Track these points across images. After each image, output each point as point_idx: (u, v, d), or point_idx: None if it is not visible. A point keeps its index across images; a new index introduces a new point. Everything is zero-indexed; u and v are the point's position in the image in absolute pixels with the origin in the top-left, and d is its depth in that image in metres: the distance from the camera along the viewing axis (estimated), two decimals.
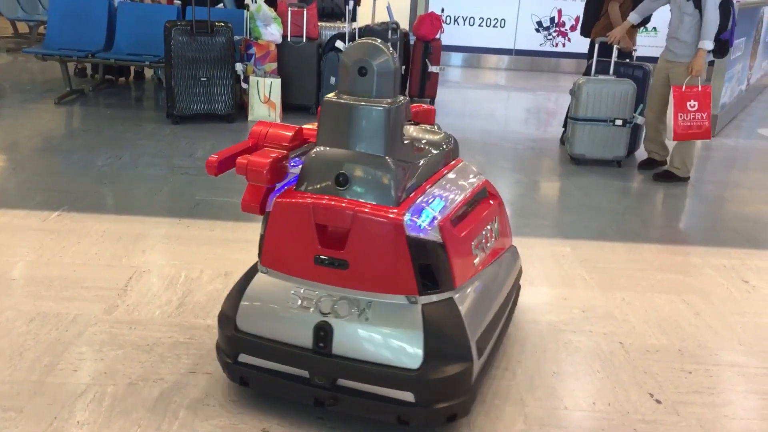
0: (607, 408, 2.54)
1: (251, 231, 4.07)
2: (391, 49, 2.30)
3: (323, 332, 2.25)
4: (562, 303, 3.34)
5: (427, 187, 2.41)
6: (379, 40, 2.33)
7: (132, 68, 8.41)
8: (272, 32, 6.76)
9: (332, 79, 6.99)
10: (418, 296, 2.22)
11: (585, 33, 6.74)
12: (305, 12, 7.00)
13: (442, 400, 2.20)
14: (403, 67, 7.83)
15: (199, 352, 2.72)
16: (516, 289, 3.02)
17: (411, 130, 2.70)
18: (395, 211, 2.20)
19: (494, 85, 10.42)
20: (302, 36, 7.04)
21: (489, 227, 2.65)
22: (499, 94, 9.18)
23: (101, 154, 5.41)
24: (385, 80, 2.27)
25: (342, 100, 2.28)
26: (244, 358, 2.36)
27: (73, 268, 3.40)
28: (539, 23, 11.72)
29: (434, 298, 2.25)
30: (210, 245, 3.78)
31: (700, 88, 5.35)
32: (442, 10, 10.67)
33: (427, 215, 2.24)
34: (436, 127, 2.84)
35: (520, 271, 3.10)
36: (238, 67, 6.67)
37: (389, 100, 2.27)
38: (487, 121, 7.84)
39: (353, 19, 7.11)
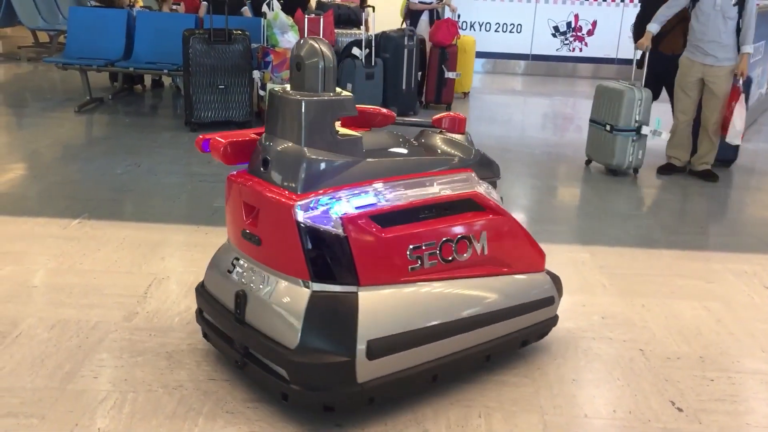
0: (628, 416, 2.52)
1: None
2: (326, 48, 2.38)
3: (239, 300, 2.44)
4: (582, 310, 3.32)
5: (364, 184, 2.37)
6: (320, 38, 2.45)
7: (149, 76, 8.49)
8: (289, 39, 6.79)
9: (348, 86, 7.01)
10: (311, 282, 2.29)
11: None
12: (322, 19, 7.04)
13: (315, 386, 2.28)
14: (419, 73, 7.84)
15: (218, 359, 2.73)
16: (524, 318, 2.74)
17: (428, 137, 2.74)
18: (293, 197, 2.28)
19: (511, 91, 10.39)
20: None
21: (460, 240, 2.51)
22: (516, 100, 9.15)
23: (120, 162, 5.46)
24: (314, 75, 2.35)
25: (274, 91, 2.44)
26: (205, 314, 2.67)
27: (93, 275, 3.43)
28: (556, 28, 11.69)
29: (331, 288, 2.29)
30: None
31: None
32: (459, 16, 10.66)
33: (333, 207, 2.28)
34: (465, 136, 2.80)
35: (546, 303, 2.83)
36: (256, 74, 6.71)
37: (314, 94, 2.35)
38: (504, 127, 7.82)
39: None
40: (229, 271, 2.55)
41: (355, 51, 7.03)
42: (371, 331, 2.29)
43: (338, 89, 2.43)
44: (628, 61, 11.44)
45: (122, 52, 7.39)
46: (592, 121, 5.89)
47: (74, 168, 5.39)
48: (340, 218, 2.27)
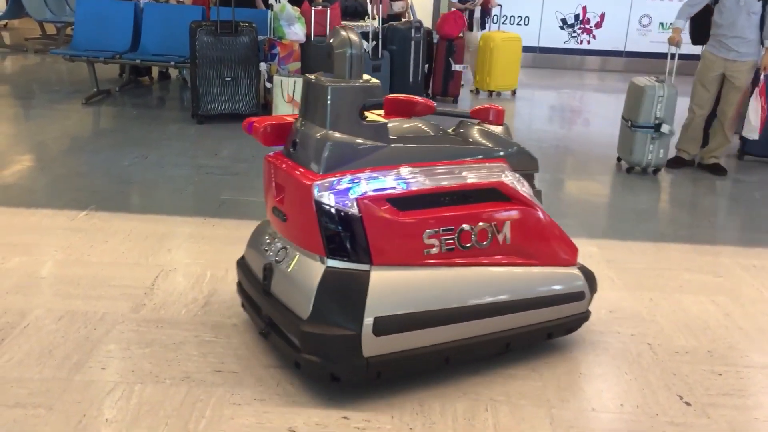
0: (636, 410, 2.51)
1: None
2: (355, 36, 2.48)
3: (267, 272, 2.61)
4: (592, 303, 3.30)
5: (385, 168, 2.45)
6: (352, 28, 2.56)
7: (157, 69, 8.49)
8: (296, 32, 6.78)
9: None
10: (326, 258, 2.41)
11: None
12: (329, 11, 7.01)
13: (322, 355, 2.39)
14: (426, 65, 7.82)
15: (225, 351, 2.73)
16: (549, 310, 2.76)
17: (465, 127, 2.80)
18: (314, 177, 2.39)
19: (518, 83, 10.34)
20: (326, 35, 7.05)
21: (480, 228, 2.55)
22: (523, 92, 9.11)
23: (127, 154, 5.46)
24: (342, 62, 2.45)
25: (308, 77, 2.55)
26: (241, 284, 2.87)
27: (100, 266, 3.44)
28: (563, 20, 11.65)
29: (345, 265, 2.40)
30: (235, 245, 3.77)
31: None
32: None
33: (353, 189, 2.38)
34: (504, 128, 2.82)
35: (574, 298, 2.82)
36: (262, 66, 6.70)
37: (341, 80, 2.45)
38: (512, 120, 7.79)
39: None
40: (262, 246, 2.73)
41: (362, 43, 7.00)
42: (379, 308, 2.38)
43: (366, 76, 2.51)
44: (636, 54, 11.43)
45: (129, 44, 7.39)
46: (622, 117, 5.77)
47: (81, 160, 5.40)
48: (356, 199, 2.37)
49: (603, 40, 11.57)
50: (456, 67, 8.02)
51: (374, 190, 2.40)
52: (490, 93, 8.71)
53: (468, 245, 2.54)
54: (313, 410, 2.40)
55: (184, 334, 2.85)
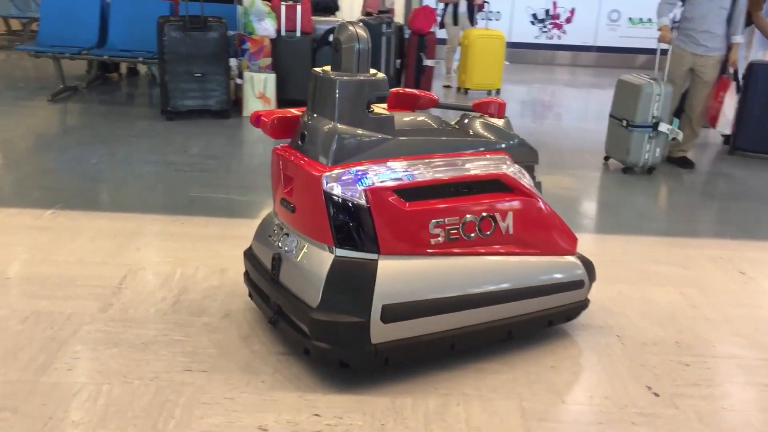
0: (605, 401, 2.53)
1: (246, 227, 4.03)
2: (362, 31, 2.52)
3: (275, 262, 2.66)
4: None
5: (392, 160, 2.52)
6: (358, 23, 2.57)
7: (125, 64, 8.37)
8: (266, 27, 6.73)
9: None
10: (335, 247, 2.46)
11: None
12: (299, 6, 6.98)
13: (331, 342, 2.45)
14: (398, 61, 7.81)
15: (194, 350, 2.70)
16: (550, 298, 2.83)
17: (468, 120, 2.85)
18: (323, 169, 2.45)
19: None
20: (296, 30, 7.02)
21: (483, 218, 2.62)
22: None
23: (95, 152, 5.38)
24: (350, 57, 2.50)
25: (315, 71, 2.60)
26: (249, 274, 2.92)
27: (67, 266, 3.38)
28: (534, 15, 11.71)
29: (353, 254, 2.46)
30: (205, 242, 3.77)
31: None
32: (437, 4, 10.64)
33: (361, 180, 2.43)
34: (505, 121, 2.90)
35: (574, 286, 2.89)
36: (233, 62, 6.65)
37: (349, 74, 2.49)
38: None
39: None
40: (270, 236, 2.78)
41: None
42: (387, 296, 2.45)
43: (373, 70, 2.57)
44: (606, 49, 11.53)
45: (96, 40, 7.28)
46: (611, 116, 5.69)
47: (48, 158, 5.31)
48: (365, 190, 2.43)
49: (573, 35, 11.67)
50: (428, 62, 8.02)
51: (381, 182, 2.46)
52: (466, 91, 8.71)
53: (472, 235, 2.61)
54: (283, 408, 2.38)
55: (152, 334, 2.81)
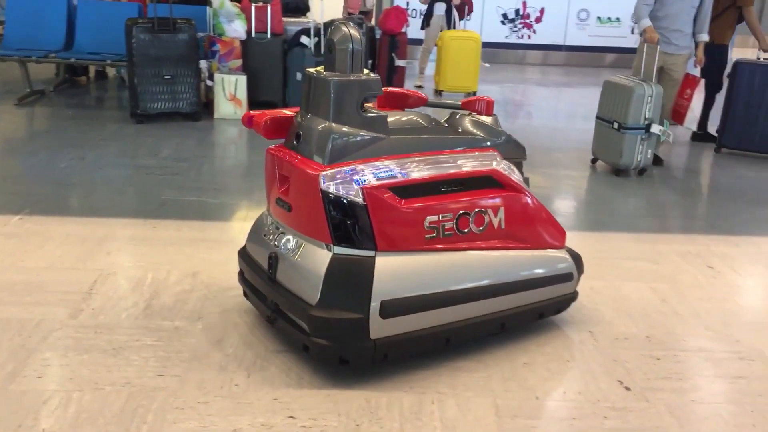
0: (578, 397, 2.56)
1: (219, 230, 4.04)
2: (355, 32, 2.55)
3: (272, 261, 2.68)
4: None
5: (387, 158, 2.56)
6: (351, 24, 2.60)
7: (93, 67, 8.27)
8: (236, 28, 6.70)
9: (298, 75, 6.94)
10: (332, 245, 2.49)
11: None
12: (269, 8, 6.95)
13: (331, 339, 2.49)
14: (370, 61, 7.82)
15: (167, 355, 2.68)
16: (541, 291, 2.90)
17: (457, 118, 2.93)
18: (319, 168, 2.48)
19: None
20: (267, 32, 6.99)
21: (476, 214, 2.68)
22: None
23: (63, 156, 5.31)
24: (343, 57, 2.53)
25: (309, 72, 2.62)
26: (245, 275, 2.93)
27: (36, 272, 3.33)
28: (504, 15, 11.79)
29: (351, 251, 2.49)
30: (177, 245, 3.73)
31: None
32: (407, 4, 10.66)
33: (358, 178, 2.47)
34: (493, 118, 2.95)
35: (563, 279, 2.96)
36: (203, 64, 6.61)
37: (343, 74, 2.52)
38: None
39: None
40: (265, 236, 2.79)
41: (304, 39, 6.96)
42: (385, 292, 2.49)
43: (366, 71, 2.61)
44: (576, 48, 11.64)
45: (63, 43, 7.18)
46: (598, 118, 5.63)
47: (15, 162, 5.22)
48: (361, 188, 2.46)
49: (543, 35, 11.77)
50: (399, 63, 8.04)
51: (377, 180, 2.50)
52: (440, 92, 8.69)
53: (466, 230, 2.67)
54: (258, 411, 2.37)
55: (124, 339, 2.78)
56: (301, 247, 2.60)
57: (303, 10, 8.36)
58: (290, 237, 2.66)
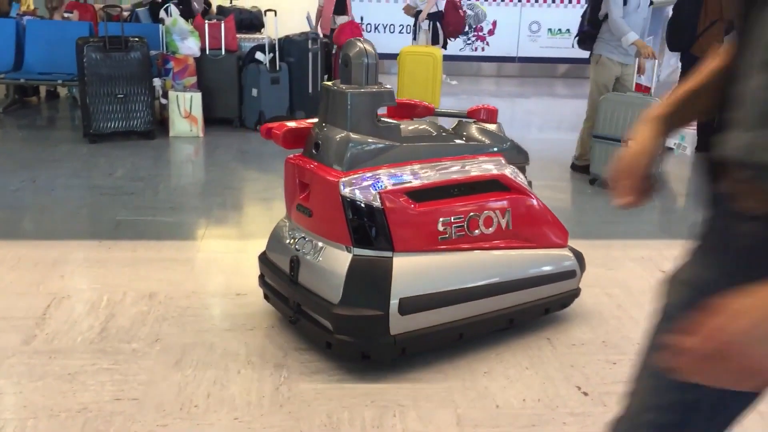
0: (537, 404, 2.59)
1: (176, 249, 4.00)
2: (369, 47, 2.76)
3: (293, 264, 2.82)
4: None
5: (401, 165, 2.74)
6: (366, 39, 2.83)
7: (44, 88, 8.14)
8: (190, 46, 6.66)
9: (254, 91, 6.92)
10: (352, 247, 2.64)
11: (678, 48, 6.60)
12: (223, 24, 6.93)
13: (353, 335, 2.64)
14: (326, 76, 7.84)
15: (124, 378, 2.64)
16: (546, 288, 3.06)
17: (464, 126, 3.10)
18: (339, 175, 2.64)
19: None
20: (221, 48, 6.96)
21: (486, 215, 2.86)
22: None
23: (14, 178, 5.20)
24: (359, 71, 2.72)
25: (327, 85, 2.81)
26: (266, 278, 3.08)
27: None
28: None
29: (370, 252, 2.64)
30: (133, 266, 3.68)
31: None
32: (362, 19, 10.73)
33: (375, 183, 2.64)
34: (498, 126, 3.13)
35: (567, 276, 3.12)
36: (156, 82, 6.55)
37: (358, 87, 2.72)
38: None
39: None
40: (286, 240, 2.93)
41: (259, 56, 6.95)
42: (403, 290, 2.64)
43: (380, 83, 2.80)
44: (528, 59, 11.84)
45: (12, 63, 7.05)
46: (601, 137, 5.43)
47: None
48: (379, 193, 2.63)
49: (496, 47, 11.94)
50: None
51: (393, 185, 2.67)
52: None
53: (476, 231, 2.84)
54: (221, 427, 2.35)
55: (79, 364, 2.73)
56: (322, 250, 2.74)
57: (257, 26, 8.34)
58: (311, 240, 2.80)
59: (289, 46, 7.27)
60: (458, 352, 2.90)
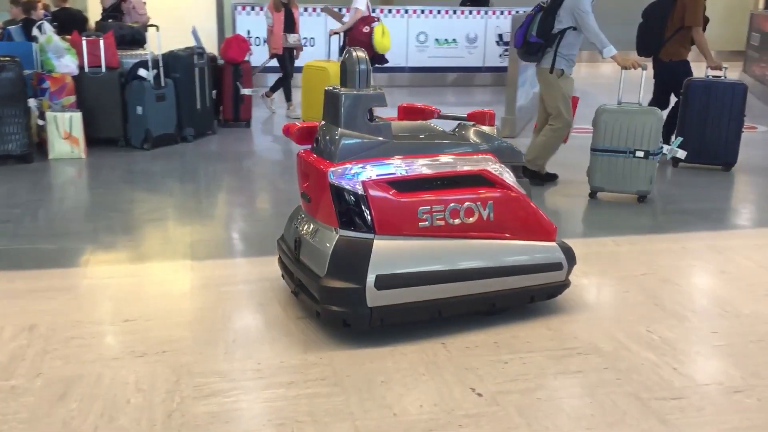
0: (434, 408, 2.63)
1: (59, 278, 3.81)
2: (362, 54, 3.15)
3: (297, 243, 3.29)
4: None
5: (388, 158, 3.08)
6: (360, 48, 3.22)
7: None
8: (67, 64, 6.40)
9: (139, 109, 6.71)
10: (339, 229, 3.03)
11: (646, 53, 6.63)
12: (102, 41, 6.68)
13: (335, 304, 3.01)
14: (214, 91, 7.70)
15: (2, 417, 2.48)
16: (529, 277, 3.29)
17: (463, 128, 3.42)
18: (328, 165, 3.04)
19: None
20: (101, 66, 6.71)
21: (466, 207, 3.13)
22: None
23: None
24: (351, 76, 3.14)
25: (327, 89, 3.22)
26: (281, 258, 3.55)
27: None
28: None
29: (354, 234, 3.02)
30: (11, 299, 3.48)
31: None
32: (248, 32, 10.62)
33: (360, 174, 3.00)
34: (494, 128, 3.44)
35: (553, 268, 3.34)
36: (32, 102, 6.23)
37: (352, 90, 3.12)
38: None
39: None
40: (294, 224, 3.40)
41: (142, 72, 6.73)
42: (380, 267, 2.99)
43: (374, 86, 3.18)
44: (417, 69, 12.05)
45: None
46: (601, 151, 5.33)
47: None
48: (362, 182, 2.99)
49: (387, 57, 12.00)
50: (245, 92, 7.97)
51: (377, 175, 3.02)
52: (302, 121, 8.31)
53: (456, 221, 3.12)
54: None
55: None
56: (316, 231, 3.16)
57: (140, 41, 8.08)
58: (310, 223, 3.24)
59: (174, 61, 7.09)
60: (354, 364, 2.91)
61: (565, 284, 3.44)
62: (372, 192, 3.00)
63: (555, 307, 3.46)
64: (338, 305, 3.00)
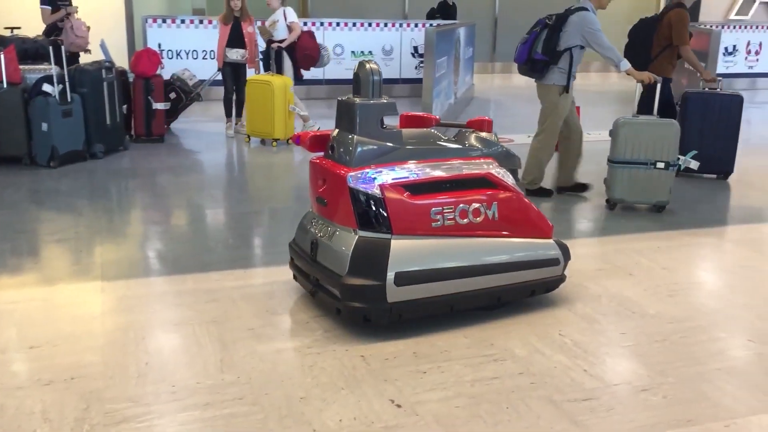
0: (353, 422, 2.63)
1: None
2: (375, 66, 3.38)
3: (313, 245, 3.46)
4: (305, 326, 3.40)
5: (401, 163, 3.33)
6: (373, 61, 3.45)
7: None
8: None
9: (44, 125, 6.45)
10: (358, 230, 3.24)
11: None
12: (2, 55, 6.40)
13: (356, 301, 3.20)
14: (125, 106, 7.49)
15: None
16: (530, 272, 3.55)
17: (464, 134, 3.70)
18: (347, 170, 3.25)
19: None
20: (2, 81, 6.42)
21: (474, 207, 3.38)
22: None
23: None
24: (365, 86, 3.35)
25: (342, 98, 3.44)
26: (293, 259, 3.72)
27: None
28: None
29: (372, 234, 3.24)
30: None
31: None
32: (159, 45, 10.41)
33: (377, 178, 3.24)
34: (492, 135, 3.70)
35: (550, 263, 3.60)
36: None
37: (366, 99, 3.34)
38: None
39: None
40: (308, 227, 3.56)
41: (47, 87, 6.48)
42: (399, 265, 3.21)
43: (385, 96, 3.40)
44: (335, 81, 12.06)
45: None
46: (619, 162, 5.38)
47: None
48: (380, 185, 3.23)
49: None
50: (157, 106, 7.79)
51: (393, 179, 3.27)
52: (248, 137, 8.07)
53: (465, 220, 3.38)
54: None
55: None
56: (334, 233, 3.34)
57: (44, 56, 7.76)
58: (326, 225, 3.41)
59: (81, 76, 6.87)
60: (272, 381, 2.88)
61: (561, 278, 3.70)
62: (389, 194, 3.23)
63: (472, 315, 3.52)
64: (360, 302, 3.19)
